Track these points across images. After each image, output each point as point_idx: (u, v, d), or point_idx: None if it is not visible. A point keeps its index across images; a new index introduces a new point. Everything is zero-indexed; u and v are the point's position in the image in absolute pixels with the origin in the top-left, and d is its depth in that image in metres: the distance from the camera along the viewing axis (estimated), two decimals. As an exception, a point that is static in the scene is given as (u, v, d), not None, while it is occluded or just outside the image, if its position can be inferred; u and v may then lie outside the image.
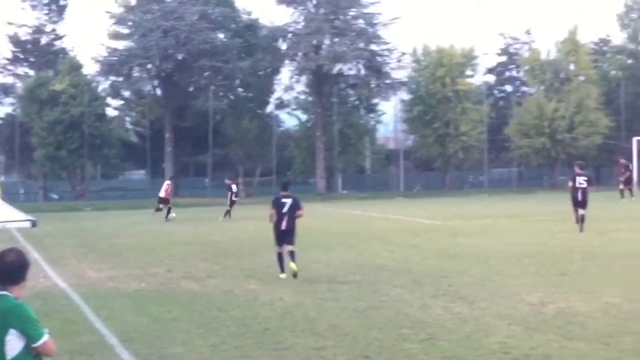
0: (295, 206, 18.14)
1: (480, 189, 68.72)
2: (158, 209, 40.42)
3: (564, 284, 15.43)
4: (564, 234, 25.93)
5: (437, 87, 67.97)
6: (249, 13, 74.27)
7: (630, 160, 54.33)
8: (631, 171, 48.54)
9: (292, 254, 17.69)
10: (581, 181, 27.58)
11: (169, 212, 39.53)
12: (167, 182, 42.07)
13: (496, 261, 19.28)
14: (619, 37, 78.51)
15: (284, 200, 18.21)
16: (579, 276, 16.44)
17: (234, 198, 39.77)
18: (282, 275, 17.67)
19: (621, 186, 46.74)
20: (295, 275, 17.36)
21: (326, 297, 14.81)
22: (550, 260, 19.02)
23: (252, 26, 72.31)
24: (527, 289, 14.86)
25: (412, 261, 19.85)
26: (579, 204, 27.29)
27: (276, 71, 71.57)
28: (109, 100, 70.28)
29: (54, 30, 72.24)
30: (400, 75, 70.86)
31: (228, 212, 39.09)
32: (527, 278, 16.37)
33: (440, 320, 12.31)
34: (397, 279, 16.71)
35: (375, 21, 68.71)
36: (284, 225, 17.95)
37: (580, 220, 27.01)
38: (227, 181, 41.86)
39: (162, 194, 40.73)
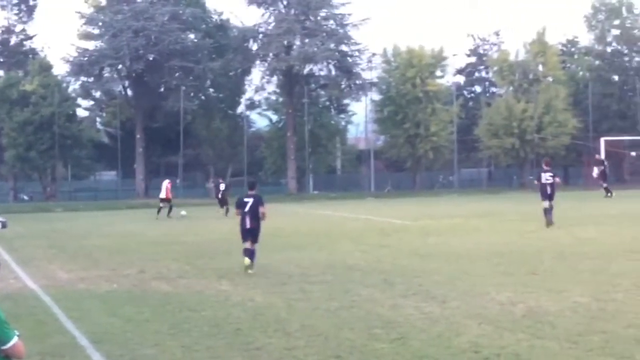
0: (256, 204, 18.89)
1: (451, 189, 69.10)
2: (164, 209, 41.22)
3: (533, 283, 15.55)
4: (533, 233, 26.13)
5: (407, 88, 68.26)
6: (220, 14, 74.23)
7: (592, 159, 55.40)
8: (606, 167, 49.24)
9: (252, 252, 18.62)
10: (547, 177, 29.13)
11: (169, 210, 40.94)
12: (168, 182, 42.85)
13: (466, 261, 19.40)
14: (586, 39, 79.27)
15: (246, 199, 19.08)
16: (548, 276, 16.57)
17: (219, 196, 42.47)
18: (246, 261, 18.43)
19: (604, 184, 47.44)
20: (246, 269, 18.20)
21: (297, 297, 14.84)
22: (520, 260, 19.16)
23: (223, 27, 72.31)
24: (497, 288, 14.97)
25: (383, 261, 19.91)
26: (547, 196, 28.81)
27: (247, 72, 71.60)
28: (80, 100, 70.04)
29: (23, 30, 71.93)
30: (370, 75, 71.28)
31: (223, 207, 41.28)
32: (497, 277, 16.49)
33: (411, 320, 12.38)
34: (369, 279, 16.77)
35: (345, 22, 68.93)
36: (248, 224, 18.82)
37: (548, 211, 28.56)
38: (219, 180, 46.16)
39: (163, 194, 41.54)
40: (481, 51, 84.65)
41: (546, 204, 28.73)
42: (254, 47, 69.55)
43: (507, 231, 27.42)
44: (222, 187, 42.89)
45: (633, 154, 64.82)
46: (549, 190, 28.78)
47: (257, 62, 70.24)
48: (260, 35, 68.80)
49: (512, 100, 69.04)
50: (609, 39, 77.20)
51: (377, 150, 74.85)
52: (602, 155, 55.58)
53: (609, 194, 45.68)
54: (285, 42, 66.92)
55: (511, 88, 71.69)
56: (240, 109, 75.19)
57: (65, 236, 31.43)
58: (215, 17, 74.06)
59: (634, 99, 73.68)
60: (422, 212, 39.28)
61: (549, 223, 28.04)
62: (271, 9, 68.52)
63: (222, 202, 41.59)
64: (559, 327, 11.55)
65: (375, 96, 72.65)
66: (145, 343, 11.45)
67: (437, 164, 73.72)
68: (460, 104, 73.94)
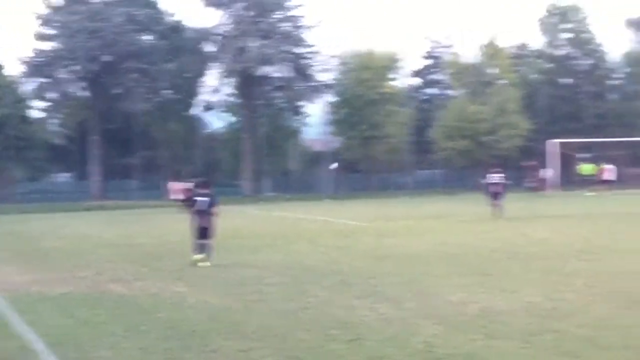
0: (210, 203, 19.67)
1: (406, 190, 69.31)
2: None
3: (486, 283, 15.71)
4: (487, 234, 26.42)
5: (363, 90, 68.42)
6: (172, 15, 73.74)
7: (542, 162, 58.13)
8: (539, 172, 54.02)
9: (207, 246, 19.55)
10: (495, 179, 33.39)
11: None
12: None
13: (422, 262, 19.53)
14: (538, 42, 80.00)
15: (199, 198, 19.84)
16: (501, 276, 16.76)
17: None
18: (196, 257, 19.43)
19: (533, 184, 52.02)
20: (195, 262, 19.25)
21: (254, 298, 14.85)
22: (474, 260, 19.35)
23: (178, 28, 71.95)
24: (451, 288, 15.11)
25: (340, 262, 19.99)
26: (495, 196, 33.02)
27: (202, 73, 71.25)
28: (36, 102, 69.21)
29: (-25, 31, 71.13)
30: (326, 77, 71.21)
31: None
32: (451, 278, 16.63)
33: (366, 321, 12.45)
34: (325, 280, 16.83)
35: (299, 24, 68.87)
36: (201, 222, 19.58)
37: (496, 208, 32.73)
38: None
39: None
40: (436, 54, 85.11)
41: (494, 202, 32.89)
42: (210, 48, 69.32)
43: (461, 232, 27.69)
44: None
45: (587, 155, 65.75)
46: (495, 189, 32.97)
47: (213, 63, 69.99)
48: (216, 37, 68.57)
49: (465, 102, 69.54)
50: (560, 42, 77.97)
51: (333, 151, 74.94)
52: (547, 159, 58.29)
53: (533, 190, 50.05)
54: (241, 44, 66.77)
55: (465, 90, 72.16)
56: (196, 110, 74.95)
57: (20, 239, 31.14)
58: (168, 18, 73.65)
59: (584, 101, 74.48)
60: (377, 214, 39.47)
61: (497, 216, 31.93)
62: (228, 11, 68.31)
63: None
64: (512, 327, 11.69)
65: (331, 98, 72.77)
66: (101, 345, 11.41)
67: (392, 166, 73.98)
68: (415, 106, 74.32)
